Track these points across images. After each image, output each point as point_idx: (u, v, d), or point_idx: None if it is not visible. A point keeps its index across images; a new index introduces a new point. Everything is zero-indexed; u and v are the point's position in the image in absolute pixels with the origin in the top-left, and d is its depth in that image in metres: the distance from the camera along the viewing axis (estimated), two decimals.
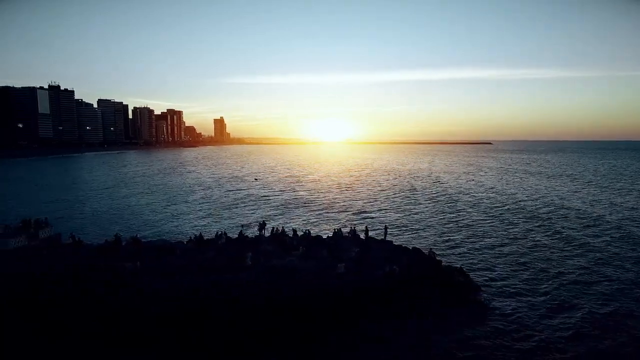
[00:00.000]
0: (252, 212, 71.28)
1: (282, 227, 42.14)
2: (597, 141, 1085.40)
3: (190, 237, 40.35)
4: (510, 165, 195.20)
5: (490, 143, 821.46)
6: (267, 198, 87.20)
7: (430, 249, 37.99)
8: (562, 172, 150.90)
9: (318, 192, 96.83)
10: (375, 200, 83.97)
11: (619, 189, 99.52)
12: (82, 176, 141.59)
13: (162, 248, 37.28)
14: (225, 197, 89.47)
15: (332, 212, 70.83)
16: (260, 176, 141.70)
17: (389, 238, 42.29)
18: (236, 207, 75.61)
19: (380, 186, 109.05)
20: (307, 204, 79.02)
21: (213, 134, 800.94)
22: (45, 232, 36.72)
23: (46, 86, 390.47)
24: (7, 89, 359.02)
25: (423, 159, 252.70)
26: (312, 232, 42.84)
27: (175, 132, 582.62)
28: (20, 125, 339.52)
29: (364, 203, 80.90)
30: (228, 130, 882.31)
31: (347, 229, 42.57)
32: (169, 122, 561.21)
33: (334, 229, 42.31)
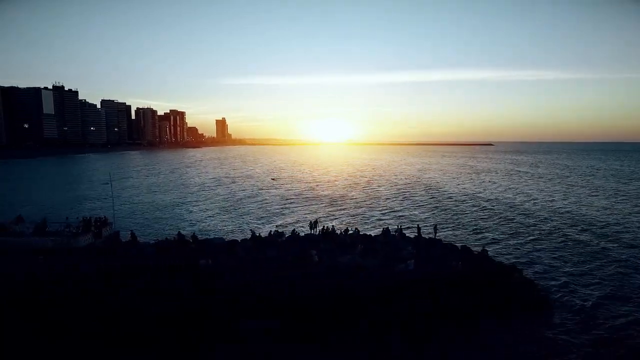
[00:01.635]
0: (291, 211, 71.77)
1: (332, 225, 42.97)
2: (601, 142, 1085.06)
3: (246, 236, 41.08)
4: (518, 166, 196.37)
5: (491, 144, 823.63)
6: (295, 198, 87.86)
7: (483, 247, 38.76)
8: (581, 174, 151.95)
9: (340, 191, 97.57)
10: (401, 199, 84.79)
11: None
12: (100, 176, 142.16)
13: (220, 245, 38.14)
14: (253, 196, 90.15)
15: (361, 211, 71.58)
16: (275, 175, 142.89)
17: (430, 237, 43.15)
18: (270, 207, 76.17)
19: (397, 185, 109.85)
20: (333, 203, 79.71)
21: (214, 135, 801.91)
22: (107, 230, 37.40)
23: (50, 86, 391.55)
24: (12, 90, 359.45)
25: (430, 160, 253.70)
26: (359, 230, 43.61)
27: (178, 132, 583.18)
28: (27, 126, 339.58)
29: (391, 202, 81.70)
30: (229, 131, 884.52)
31: (394, 227, 43.50)
32: (171, 123, 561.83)
33: (383, 228, 43.13)
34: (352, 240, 39.36)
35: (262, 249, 35.59)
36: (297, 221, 60.04)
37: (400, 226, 44.03)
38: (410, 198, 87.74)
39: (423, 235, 42.69)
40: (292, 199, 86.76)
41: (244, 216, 66.23)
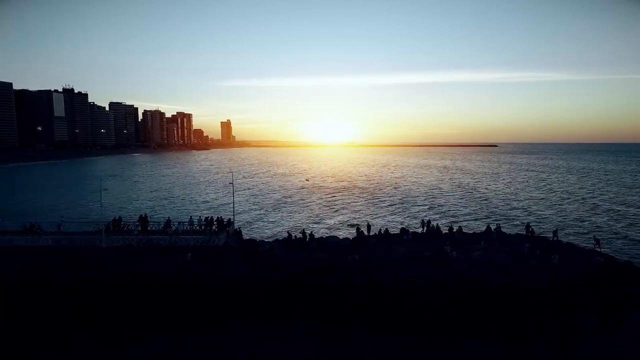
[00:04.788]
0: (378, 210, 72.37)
1: (437, 223, 43.66)
2: (607, 143, 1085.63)
3: (349, 236, 41.68)
4: (526, 165, 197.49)
5: (495, 145, 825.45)
6: (348, 198, 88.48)
7: (599, 240, 39.17)
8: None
9: (378, 191, 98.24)
10: (446, 196, 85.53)
11: None
12: (140, 177, 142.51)
13: (337, 243, 38.80)
14: (310, 195, 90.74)
15: (417, 209, 72.27)
16: (307, 176, 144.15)
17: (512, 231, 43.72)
18: (352, 205, 76.65)
19: (429, 183, 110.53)
20: (389, 204, 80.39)
21: (219, 137, 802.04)
22: (231, 229, 37.96)
23: (59, 89, 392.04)
24: (23, 92, 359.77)
25: (443, 160, 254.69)
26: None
27: (186, 135, 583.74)
28: (40, 128, 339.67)
29: (435, 199, 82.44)
30: (232, 133, 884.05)
31: (494, 226, 44.07)
32: (179, 125, 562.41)
33: (488, 225, 43.77)
34: (462, 237, 39.94)
35: (389, 247, 36.15)
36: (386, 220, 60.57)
37: (499, 224, 44.57)
38: (450, 194, 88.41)
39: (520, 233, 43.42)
40: (347, 199, 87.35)
41: (335, 216, 66.66)
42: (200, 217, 38.65)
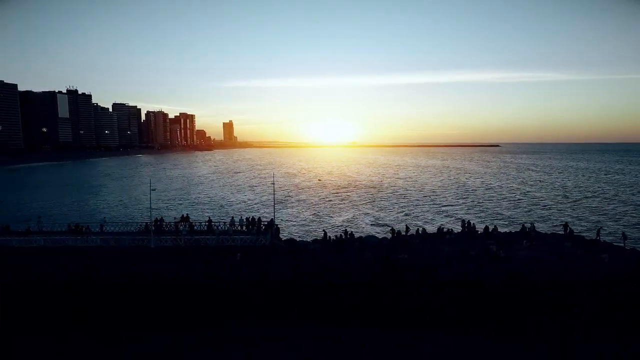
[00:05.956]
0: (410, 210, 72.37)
1: (470, 221, 43.82)
2: (606, 143, 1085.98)
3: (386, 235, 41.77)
4: (533, 165, 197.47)
5: (498, 145, 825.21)
6: (363, 198, 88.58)
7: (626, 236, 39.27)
8: None
9: (396, 191, 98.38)
10: (471, 196, 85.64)
11: None
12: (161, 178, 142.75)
13: (375, 242, 38.93)
14: (332, 197, 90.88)
15: (447, 209, 72.39)
16: (318, 175, 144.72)
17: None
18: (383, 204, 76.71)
19: (447, 183, 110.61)
20: (408, 204, 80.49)
21: (221, 138, 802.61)
22: (274, 230, 38.04)
23: (63, 90, 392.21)
24: (28, 94, 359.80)
25: (454, 162, 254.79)
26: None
27: (188, 135, 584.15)
28: (45, 130, 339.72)
29: (457, 199, 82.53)
30: (234, 134, 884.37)
31: (529, 225, 44.13)
32: (182, 126, 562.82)
33: (523, 224, 43.86)
34: (501, 237, 40.00)
35: (433, 246, 36.23)
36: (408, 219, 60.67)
37: (533, 224, 44.58)
38: (475, 194, 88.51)
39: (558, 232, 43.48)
40: (386, 197, 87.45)
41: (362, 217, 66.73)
42: (241, 217, 38.69)
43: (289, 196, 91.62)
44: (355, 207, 76.74)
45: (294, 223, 60.18)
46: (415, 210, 72.80)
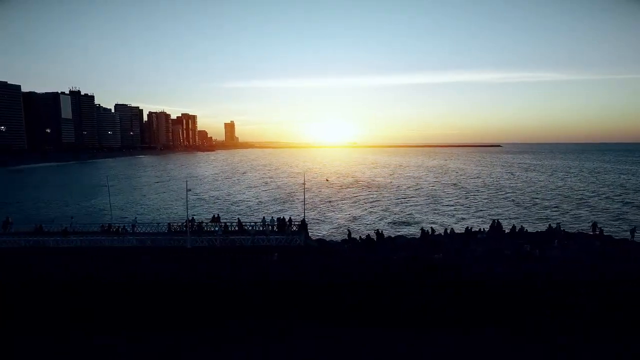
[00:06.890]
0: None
1: (497, 220, 44.00)
2: (606, 143, 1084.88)
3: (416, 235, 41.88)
4: (540, 165, 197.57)
5: (499, 145, 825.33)
6: (373, 199, 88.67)
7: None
8: None
9: (404, 190, 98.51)
10: (490, 196, 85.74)
11: None
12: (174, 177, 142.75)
13: (397, 242, 39.13)
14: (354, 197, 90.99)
15: (468, 209, 72.47)
16: (326, 176, 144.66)
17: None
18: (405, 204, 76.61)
19: (460, 183, 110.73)
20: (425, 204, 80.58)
21: (222, 138, 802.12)
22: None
23: (65, 91, 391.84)
24: (31, 95, 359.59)
25: (460, 162, 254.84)
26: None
27: (190, 136, 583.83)
28: (48, 130, 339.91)
29: (478, 200, 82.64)
30: (235, 134, 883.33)
31: (554, 225, 44.25)
32: (184, 127, 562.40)
33: (549, 224, 43.97)
34: (530, 236, 40.15)
35: (465, 246, 36.35)
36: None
37: (559, 223, 44.70)
38: (496, 195, 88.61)
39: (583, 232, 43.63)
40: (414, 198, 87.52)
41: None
42: (272, 217, 38.77)
43: (298, 197, 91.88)
44: (373, 206, 76.93)
45: (318, 222, 60.42)
46: (436, 209, 72.94)
